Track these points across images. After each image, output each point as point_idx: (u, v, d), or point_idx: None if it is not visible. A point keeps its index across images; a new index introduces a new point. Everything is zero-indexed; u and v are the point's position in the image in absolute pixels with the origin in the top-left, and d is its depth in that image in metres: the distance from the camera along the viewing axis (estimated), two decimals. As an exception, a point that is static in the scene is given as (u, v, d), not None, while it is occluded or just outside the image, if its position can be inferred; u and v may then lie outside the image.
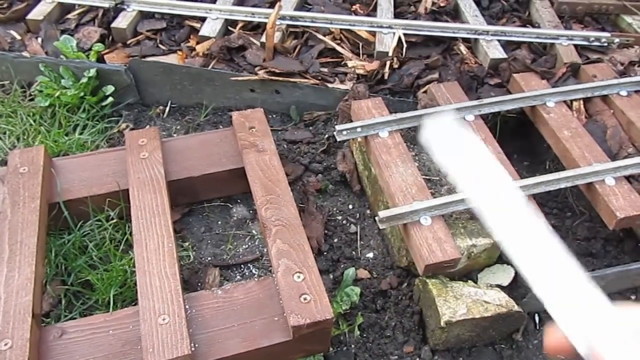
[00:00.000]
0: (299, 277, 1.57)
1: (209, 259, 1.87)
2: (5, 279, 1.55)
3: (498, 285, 1.80)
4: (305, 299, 1.52)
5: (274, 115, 2.31)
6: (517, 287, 1.81)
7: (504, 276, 1.82)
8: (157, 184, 1.81)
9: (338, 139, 1.93)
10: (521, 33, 2.38)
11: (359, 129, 1.94)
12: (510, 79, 2.23)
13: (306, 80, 2.24)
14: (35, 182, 1.80)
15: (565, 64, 2.25)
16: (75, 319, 1.67)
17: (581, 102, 2.13)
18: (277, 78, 2.22)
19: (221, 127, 2.28)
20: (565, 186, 1.82)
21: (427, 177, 1.91)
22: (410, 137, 2.04)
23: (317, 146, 2.19)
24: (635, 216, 1.75)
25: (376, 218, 1.69)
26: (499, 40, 2.35)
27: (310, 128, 2.27)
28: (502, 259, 1.86)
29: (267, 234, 1.68)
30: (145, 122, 2.29)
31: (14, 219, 1.70)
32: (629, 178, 1.85)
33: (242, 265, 1.86)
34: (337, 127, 1.93)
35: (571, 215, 2.06)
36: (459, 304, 1.62)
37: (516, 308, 1.64)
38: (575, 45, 2.34)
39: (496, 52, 2.29)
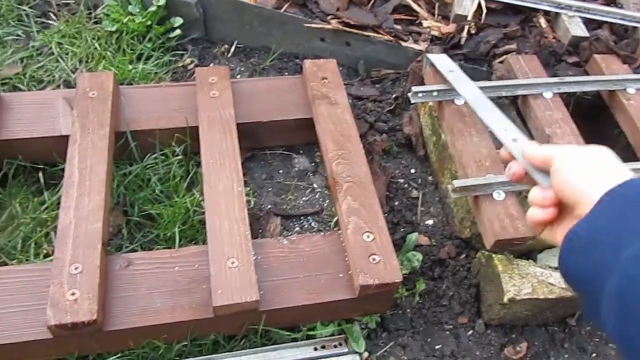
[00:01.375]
0: (368, 236, 1.55)
1: (270, 206, 1.85)
2: (75, 204, 1.54)
3: (557, 268, 1.78)
4: (374, 259, 1.51)
5: (341, 69, 2.24)
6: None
7: (565, 260, 1.80)
8: (227, 125, 1.77)
9: (412, 101, 1.88)
10: (605, 12, 2.28)
11: (435, 93, 1.88)
12: (590, 59, 2.15)
13: (380, 35, 2.16)
14: (104, 108, 1.77)
15: (648, 50, 2.17)
16: (136, 251, 1.67)
17: (663, 90, 2.06)
18: (350, 29, 2.14)
19: (286, 73, 2.22)
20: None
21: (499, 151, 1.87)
22: (483, 107, 1.98)
23: (383, 105, 2.14)
24: None
25: (449, 186, 1.66)
26: (580, 17, 2.25)
27: (378, 85, 2.21)
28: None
29: (338, 189, 1.65)
30: (210, 60, 2.23)
31: (84, 144, 1.68)
32: None
33: (302, 217, 1.84)
34: (414, 89, 1.87)
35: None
36: (524, 282, 1.60)
37: (581, 294, 1.62)
38: (660, 32, 2.24)
39: (578, 29, 2.20)
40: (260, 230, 1.78)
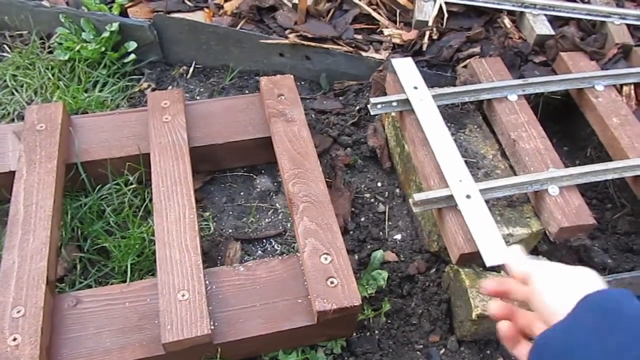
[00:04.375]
0: (326, 258, 1.49)
1: (230, 231, 1.79)
2: (19, 242, 1.49)
3: (532, 278, 1.71)
4: (332, 282, 1.44)
5: (303, 83, 2.20)
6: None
7: (539, 268, 1.72)
8: (179, 150, 1.71)
9: (372, 113, 1.82)
10: (570, 8, 2.22)
11: (394, 103, 1.83)
12: (557, 57, 2.09)
13: (339, 47, 2.11)
14: (52, 140, 1.71)
15: (616, 45, 2.10)
16: (90, 286, 1.61)
17: (632, 87, 2.00)
18: (308, 43, 2.09)
19: (247, 91, 2.17)
20: (612, 177, 1.70)
21: (465, 159, 1.80)
22: (448, 115, 1.92)
23: (346, 118, 2.08)
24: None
25: (410, 200, 1.59)
26: (546, 15, 2.20)
27: (341, 98, 2.15)
28: (537, 250, 1.77)
29: (294, 210, 1.59)
30: (168, 82, 2.18)
31: (30, 179, 1.62)
32: (680, 172, 1.73)
33: (264, 240, 1.78)
34: (372, 100, 1.81)
35: (612, 207, 1.95)
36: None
37: (553, 304, 1.55)
38: (628, 25, 2.18)
39: (543, 27, 2.14)
40: (220, 257, 1.71)
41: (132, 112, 1.88)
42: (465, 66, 2.05)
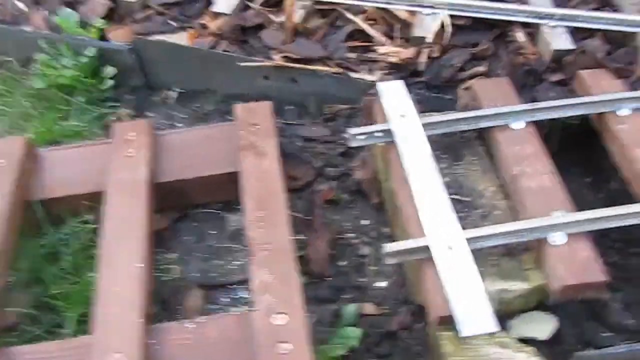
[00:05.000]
0: (280, 319, 1.31)
1: (196, 275, 1.63)
2: (-44, 293, 1.39)
3: (534, 340, 1.46)
4: (283, 349, 1.26)
5: (291, 107, 2.02)
6: (559, 342, 1.47)
7: (543, 328, 1.48)
8: (137, 189, 1.58)
9: (352, 145, 1.63)
10: (595, 18, 1.94)
11: (378, 134, 1.62)
12: (576, 76, 1.82)
13: (327, 68, 1.92)
14: (9, 178, 1.62)
15: (649, 60, 1.81)
16: (40, 336, 1.49)
17: (665, 109, 1.70)
18: (293, 65, 1.92)
19: (230, 118, 2.02)
20: (632, 223, 1.43)
21: (457, 197, 1.58)
22: (445, 144, 1.70)
23: (335, 146, 1.89)
24: None
25: (383, 251, 1.39)
26: (567, 27, 1.92)
27: (331, 124, 1.96)
28: (543, 304, 1.51)
29: (252, 260, 1.42)
30: (150, 108, 2.06)
31: (-21, 220, 1.53)
32: None
33: (230, 287, 1.61)
34: (351, 131, 1.62)
35: (638, 252, 1.66)
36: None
37: (549, 381, 1.30)
38: (664, 37, 1.88)
39: (561, 41, 1.87)
40: (179, 307, 1.56)
41: (98, 145, 1.76)
42: (467, 88, 1.82)
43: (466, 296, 1.27)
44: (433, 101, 1.84)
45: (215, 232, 1.74)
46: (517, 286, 1.41)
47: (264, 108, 1.76)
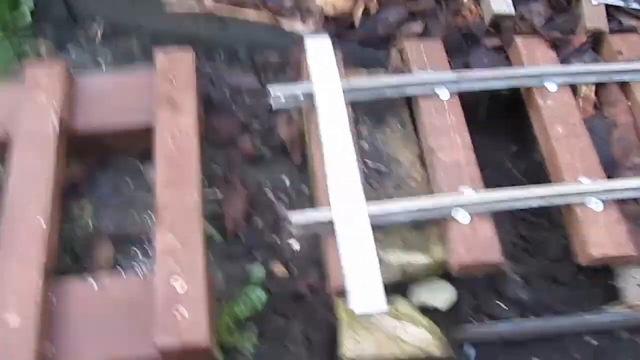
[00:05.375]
0: (179, 284, 1.32)
1: (109, 226, 1.62)
2: None
3: (434, 309, 1.52)
4: (180, 314, 1.29)
5: (220, 53, 1.93)
6: (455, 312, 1.54)
7: (442, 297, 1.53)
8: (45, 140, 1.52)
9: (274, 107, 1.58)
10: (543, -21, 1.87)
11: (300, 96, 1.58)
12: (512, 43, 1.77)
13: (260, 14, 1.82)
14: None
15: (586, 32, 1.77)
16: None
17: (593, 87, 1.69)
18: (224, 10, 1.81)
19: (157, 60, 1.93)
20: (537, 205, 1.46)
21: (375, 165, 1.58)
22: (368, 107, 1.67)
23: (262, 99, 1.83)
24: (615, 257, 1.41)
25: (290, 220, 1.39)
26: (512, -14, 1.85)
27: (260, 74, 1.89)
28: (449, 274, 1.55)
29: (159, 222, 1.41)
30: (71, 43, 1.95)
31: None
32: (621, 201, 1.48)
33: (145, 239, 1.61)
34: (273, 91, 1.57)
35: (548, 226, 1.71)
36: (368, 338, 1.36)
37: (437, 353, 1.37)
38: (608, 6, 1.83)
39: (502, 3, 1.80)
40: (89, 259, 1.56)
41: (10, 89, 1.67)
42: (400, 49, 1.76)
43: (361, 274, 1.30)
44: (366, 57, 1.78)
45: (132, 183, 1.71)
46: (419, 260, 1.44)
47: (186, 57, 1.68)
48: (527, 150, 1.87)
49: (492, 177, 1.76)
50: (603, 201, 1.45)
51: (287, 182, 1.74)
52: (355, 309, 1.26)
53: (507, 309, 1.54)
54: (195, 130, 1.55)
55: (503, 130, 1.88)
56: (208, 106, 1.82)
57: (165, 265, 1.34)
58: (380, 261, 1.42)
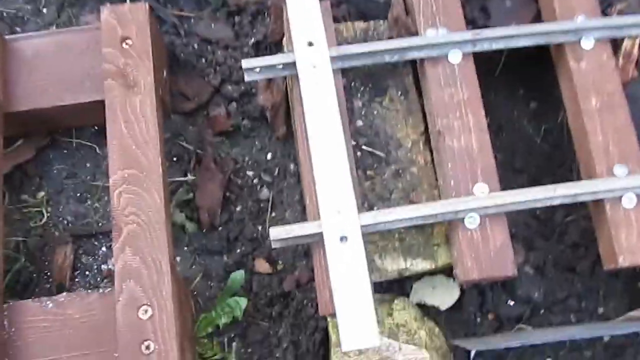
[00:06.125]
0: (145, 312, 1.16)
1: (68, 219, 1.43)
2: None
3: (434, 308, 1.38)
4: (147, 347, 1.14)
5: (187, -6, 1.60)
6: (458, 310, 1.39)
7: (445, 297, 1.38)
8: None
9: (247, 79, 1.30)
10: None
11: (280, 66, 1.29)
12: (544, -14, 1.43)
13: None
14: None
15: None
16: None
17: (637, 41, 1.39)
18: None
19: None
20: (560, 203, 1.24)
21: (369, 150, 1.34)
22: (365, 71, 1.39)
23: (237, 54, 1.54)
24: (645, 265, 1.22)
25: (270, 231, 1.18)
26: None
27: (236, 21, 1.57)
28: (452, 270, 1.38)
29: (116, 234, 1.21)
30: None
31: None
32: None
33: (109, 235, 1.42)
34: (246, 63, 1.28)
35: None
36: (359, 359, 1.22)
37: (435, 375, 1.24)
38: None
39: None
40: (48, 263, 1.38)
41: None
42: (404, -5, 1.43)
43: (352, 304, 1.11)
44: (364, 6, 1.46)
45: (90, 164, 1.48)
46: (420, 265, 1.26)
47: (140, 12, 1.36)
48: (548, 107, 1.59)
49: (507, 144, 1.54)
50: (638, 196, 1.22)
51: (270, 157, 1.51)
52: (344, 346, 1.10)
53: (516, 307, 1.38)
54: (154, 113, 1.28)
55: (520, 83, 1.59)
56: (173, 63, 1.54)
57: (127, 290, 1.17)
58: (376, 268, 1.25)
